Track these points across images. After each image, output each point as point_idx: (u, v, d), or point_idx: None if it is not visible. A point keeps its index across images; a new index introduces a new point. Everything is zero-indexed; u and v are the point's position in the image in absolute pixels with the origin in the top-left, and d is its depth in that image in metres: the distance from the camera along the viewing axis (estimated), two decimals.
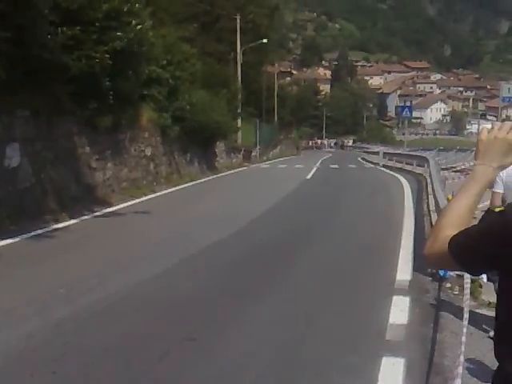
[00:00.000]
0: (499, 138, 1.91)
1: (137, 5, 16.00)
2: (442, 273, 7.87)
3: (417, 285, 8.03)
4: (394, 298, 7.28)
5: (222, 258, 9.67)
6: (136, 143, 20.38)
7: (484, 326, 6.17)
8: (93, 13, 14.41)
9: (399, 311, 6.73)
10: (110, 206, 15.54)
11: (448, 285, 7.77)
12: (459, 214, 1.88)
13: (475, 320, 6.24)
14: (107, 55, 14.50)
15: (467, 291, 5.78)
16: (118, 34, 14.86)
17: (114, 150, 18.20)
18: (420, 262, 9.12)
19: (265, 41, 49.55)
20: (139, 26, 15.86)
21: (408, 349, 5.66)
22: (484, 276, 6.66)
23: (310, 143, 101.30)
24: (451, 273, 7.77)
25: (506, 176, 5.53)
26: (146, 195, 18.38)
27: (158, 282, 8.14)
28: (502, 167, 1.95)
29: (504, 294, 1.77)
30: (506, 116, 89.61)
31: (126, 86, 16.28)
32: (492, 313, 6.26)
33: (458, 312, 6.39)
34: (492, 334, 5.77)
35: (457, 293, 7.44)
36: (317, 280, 8.42)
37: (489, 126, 1.98)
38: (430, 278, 8.27)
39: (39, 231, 11.54)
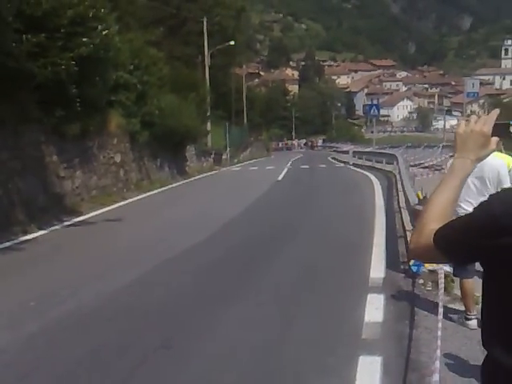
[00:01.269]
0: (476, 130, 1.95)
1: (102, 10, 15.89)
2: (414, 269, 7.90)
3: (390, 282, 8.05)
4: (369, 296, 7.29)
5: (196, 263, 9.61)
6: (105, 150, 20.21)
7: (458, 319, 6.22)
8: (58, 19, 14.28)
9: (374, 309, 6.74)
10: (80, 214, 15.35)
11: (421, 281, 7.80)
12: (441, 207, 1.91)
13: (449, 314, 6.28)
14: (73, 62, 14.39)
15: (441, 286, 5.80)
16: (84, 39, 14.74)
17: (83, 158, 18.02)
18: (392, 259, 9.18)
19: (232, 43, 49.46)
20: (105, 32, 15.76)
21: (384, 347, 5.66)
22: (448, 268, 6.68)
23: (280, 144, 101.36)
24: (424, 269, 7.81)
25: None
26: (116, 202, 18.24)
27: (131, 290, 8.05)
28: (479, 159, 1.98)
29: (489, 282, 1.79)
30: (471, 111, 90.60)
31: (93, 93, 16.14)
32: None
33: (431, 308, 6.45)
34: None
35: (430, 288, 7.49)
36: (291, 281, 8.40)
37: (469, 119, 2.01)
38: (403, 275, 8.30)
39: (7, 243, 11.39)
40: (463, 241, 1.75)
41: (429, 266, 7.68)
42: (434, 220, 1.88)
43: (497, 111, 1.95)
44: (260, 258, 10.00)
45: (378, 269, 8.72)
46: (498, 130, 1.95)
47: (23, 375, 5.20)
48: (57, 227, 13.56)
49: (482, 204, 1.73)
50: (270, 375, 5.16)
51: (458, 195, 1.96)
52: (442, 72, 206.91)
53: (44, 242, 11.93)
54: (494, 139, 1.96)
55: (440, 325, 4.99)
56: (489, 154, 1.99)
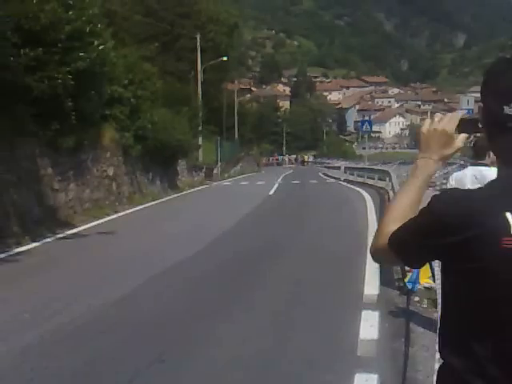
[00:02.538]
0: (438, 129, 1.92)
1: (99, 25, 16.00)
2: (409, 286, 7.89)
3: (385, 299, 8.03)
4: (363, 312, 7.24)
5: (188, 277, 9.61)
6: (98, 163, 20.23)
7: None
8: (55, 34, 14.39)
9: (369, 326, 6.69)
10: (73, 227, 15.36)
11: (416, 298, 7.78)
12: (402, 208, 1.88)
13: None
14: (70, 76, 14.45)
15: (440, 301, 5.78)
16: (81, 54, 14.85)
17: (77, 171, 18.05)
18: (386, 276, 9.16)
19: (225, 58, 49.62)
20: (101, 46, 15.88)
21: (380, 364, 5.64)
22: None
23: (271, 160, 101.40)
24: (419, 286, 7.80)
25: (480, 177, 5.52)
26: (108, 215, 18.23)
27: (124, 303, 8.05)
28: (443, 159, 1.95)
29: (443, 283, 1.81)
30: None
31: (88, 107, 16.22)
32: None
33: (428, 325, 6.42)
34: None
35: (426, 306, 7.45)
36: (284, 296, 8.39)
37: (434, 117, 1.97)
38: (398, 292, 8.29)
39: (1, 255, 11.38)
40: (411, 242, 1.76)
41: (424, 283, 7.69)
42: (394, 221, 1.86)
43: (463, 112, 1.95)
44: (252, 272, 10.01)
45: (372, 285, 8.67)
46: (467, 126, 1.91)
47: None
48: (50, 239, 13.55)
49: (427, 205, 1.74)
50: None
51: (421, 196, 1.92)
52: (434, 89, 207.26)
53: (37, 254, 11.92)
54: (462, 136, 1.93)
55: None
56: (454, 153, 1.96)
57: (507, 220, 1.62)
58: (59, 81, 14.24)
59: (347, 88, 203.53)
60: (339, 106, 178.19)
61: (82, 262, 11.21)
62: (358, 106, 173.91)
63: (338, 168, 47.24)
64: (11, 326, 6.94)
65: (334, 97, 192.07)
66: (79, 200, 18.05)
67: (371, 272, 9.47)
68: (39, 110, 14.54)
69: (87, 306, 7.79)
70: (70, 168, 17.55)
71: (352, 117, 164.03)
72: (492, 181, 1.78)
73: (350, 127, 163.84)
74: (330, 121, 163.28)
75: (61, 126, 15.47)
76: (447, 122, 1.92)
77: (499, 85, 1.75)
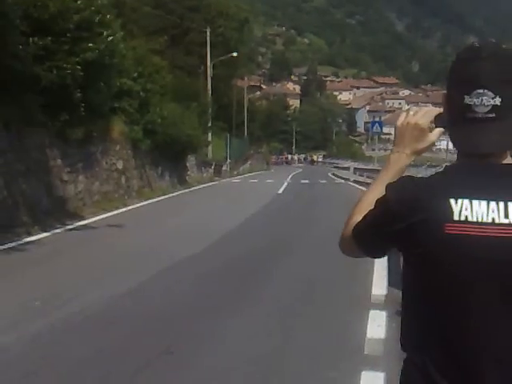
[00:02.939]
0: (411, 123, 1.89)
1: (108, 16, 15.96)
2: None
3: (392, 299, 7.98)
4: (371, 312, 7.22)
5: (197, 272, 9.58)
6: (107, 156, 20.25)
7: None
8: (64, 23, 14.36)
9: (376, 326, 6.66)
10: (82, 219, 15.40)
11: None
12: (370, 200, 1.86)
13: None
14: (78, 66, 14.43)
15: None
16: (90, 44, 14.81)
17: (86, 163, 18.07)
18: (395, 277, 9.10)
19: (235, 54, 49.57)
20: (110, 38, 15.83)
21: (387, 363, 5.59)
22: None
23: (279, 158, 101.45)
24: None
25: None
26: (117, 209, 18.26)
27: (133, 295, 8.04)
28: (416, 153, 1.93)
29: (404, 276, 1.82)
30: None
31: (97, 98, 16.19)
32: None
33: None
34: None
35: None
36: (292, 294, 8.36)
37: (409, 111, 1.95)
38: None
39: (11, 244, 11.40)
40: (368, 231, 1.79)
41: None
42: (359, 213, 1.87)
43: (438, 109, 1.90)
44: (260, 269, 9.98)
45: (379, 286, 8.65)
46: (443, 121, 1.86)
47: (27, 373, 5.19)
48: (59, 230, 13.57)
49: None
50: None
51: None
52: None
53: (47, 244, 11.94)
54: (437, 130, 1.90)
55: None
56: (427, 148, 1.93)
57: (451, 206, 1.66)
58: (68, 71, 14.25)
59: (357, 88, 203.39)
60: (349, 106, 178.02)
61: (91, 254, 11.21)
62: (368, 107, 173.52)
63: (348, 168, 47.18)
64: (22, 313, 6.94)
65: (344, 97, 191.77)
66: (88, 192, 18.07)
67: (379, 272, 9.46)
68: (48, 100, 14.53)
69: (96, 297, 7.79)
70: (79, 160, 17.57)
71: (362, 117, 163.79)
72: (444, 168, 1.81)
73: (360, 128, 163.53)
74: (340, 121, 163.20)
75: (70, 116, 15.49)
76: (421, 116, 1.89)
77: (463, 73, 1.73)
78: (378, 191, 1.85)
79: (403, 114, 1.94)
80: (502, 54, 1.72)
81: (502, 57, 1.71)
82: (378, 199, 1.78)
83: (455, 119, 1.76)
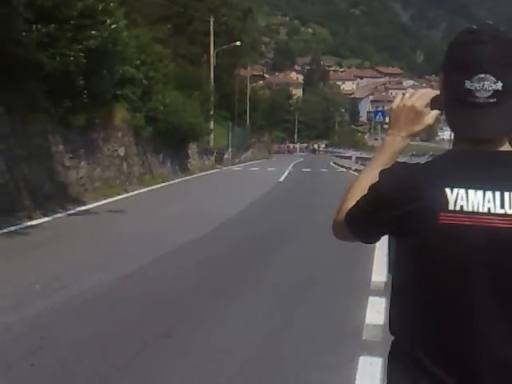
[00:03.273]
0: (407, 105, 1.88)
1: (111, 4, 15.99)
2: None
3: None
4: (370, 298, 7.24)
5: (197, 257, 9.64)
6: (109, 143, 20.31)
7: None
8: (67, 10, 14.39)
9: (375, 312, 6.68)
10: (84, 204, 15.48)
11: None
12: (364, 185, 1.84)
13: None
14: (82, 54, 14.48)
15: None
16: (93, 32, 14.85)
17: (88, 149, 18.12)
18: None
19: (238, 43, 49.51)
20: (114, 25, 15.88)
21: (385, 349, 5.58)
22: None
23: (281, 147, 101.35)
24: None
25: None
26: (119, 195, 18.31)
27: (133, 279, 8.11)
28: (411, 136, 1.91)
29: (395, 259, 1.83)
30: None
31: (100, 85, 16.27)
32: None
33: None
34: None
35: None
36: (292, 279, 8.40)
37: (405, 94, 1.94)
38: None
39: (12, 228, 11.46)
40: (361, 217, 1.79)
41: None
42: (353, 197, 1.85)
43: (435, 92, 1.88)
44: (260, 255, 10.03)
45: (379, 273, 8.66)
46: (439, 103, 1.84)
47: (28, 353, 5.27)
48: (60, 215, 13.64)
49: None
50: (270, 371, 5.16)
51: None
52: None
53: (48, 228, 12.01)
54: (434, 113, 1.88)
55: None
56: (423, 130, 1.91)
57: (446, 195, 1.65)
58: (71, 58, 14.30)
59: (361, 78, 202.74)
60: (352, 95, 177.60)
61: (91, 238, 11.27)
62: (371, 97, 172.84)
63: (350, 158, 47.05)
64: (23, 295, 7.02)
65: (347, 86, 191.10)
66: (90, 178, 18.14)
67: (379, 259, 9.48)
68: (51, 86, 14.61)
69: (96, 280, 7.84)
70: (82, 146, 17.62)
71: (365, 107, 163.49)
72: (440, 155, 1.79)
73: (363, 118, 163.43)
74: (343, 110, 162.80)
75: (72, 103, 15.56)
76: (417, 98, 1.88)
77: (462, 58, 1.70)
78: (371, 176, 1.83)
79: (399, 97, 1.94)
80: (502, 37, 1.69)
81: (503, 40, 1.69)
82: (371, 185, 1.76)
83: (454, 103, 1.73)
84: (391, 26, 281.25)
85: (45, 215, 13.18)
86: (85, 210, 14.69)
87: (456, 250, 1.65)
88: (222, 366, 5.23)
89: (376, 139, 67.32)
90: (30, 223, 12.20)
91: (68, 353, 5.37)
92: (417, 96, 1.89)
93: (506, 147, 1.73)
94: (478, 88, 1.66)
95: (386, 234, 1.81)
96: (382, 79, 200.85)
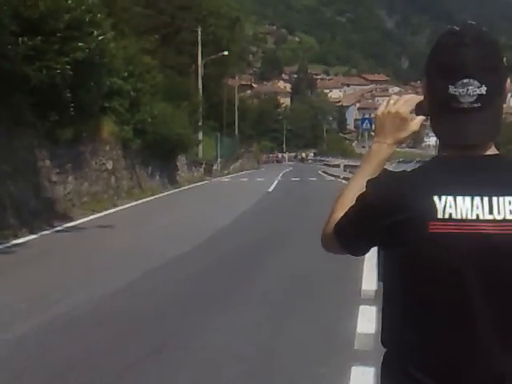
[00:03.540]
0: (392, 112, 1.84)
1: (99, 15, 15.92)
2: None
3: (382, 294, 7.96)
4: (361, 307, 7.22)
5: (186, 271, 9.58)
6: (97, 156, 20.19)
7: None
8: (54, 23, 14.31)
9: (366, 321, 6.65)
10: (71, 220, 15.37)
11: None
12: (352, 194, 1.80)
13: None
14: (68, 66, 14.37)
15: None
16: (80, 44, 14.75)
17: (75, 164, 17.99)
18: None
19: (226, 53, 49.57)
20: (101, 37, 15.78)
21: (377, 358, 5.55)
22: None
23: (270, 157, 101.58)
24: None
25: None
26: (107, 209, 18.21)
27: (121, 295, 8.02)
28: (398, 143, 1.87)
29: (385, 275, 1.81)
30: None
31: (87, 98, 16.15)
32: None
33: None
34: None
35: None
36: (283, 290, 8.37)
37: (390, 100, 1.90)
38: None
39: None
40: (349, 228, 1.75)
41: None
42: (342, 208, 1.81)
43: (420, 97, 1.83)
44: (250, 266, 9.98)
45: (369, 281, 8.64)
46: (424, 109, 1.79)
47: (14, 376, 5.17)
48: (47, 232, 13.53)
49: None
50: (263, 382, 5.13)
51: None
52: None
53: (35, 246, 11.90)
54: (419, 119, 1.83)
55: None
56: (409, 137, 1.86)
57: (434, 204, 1.61)
58: (58, 71, 14.17)
59: (348, 86, 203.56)
60: (340, 103, 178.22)
61: (79, 255, 11.17)
62: (358, 105, 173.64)
63: (338, 166, 47.17)
64: (7, 315, 6.91)
65: (334, 94, 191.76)
66: (77, 193, 18.01)
67: (369, 268, 9.44)
68: (37, 99, 14.51)
69: (84, 297, 7.76)
70: (69, 160, 17.50)
71: (352, 115, 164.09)
72: (426, 162, 1.76)
73: (350, 125, 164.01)
74: (331, 119, 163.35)
75: (59, 116, 15.44)
76: (402, 104, 1.84)
77: (445, 61, 1.66)
78: (359, 185, 1.79)
79: (384, 103, 1.90)
80: (485, 38, 1.66)
81: (486, 42, 1.66)
82: (359, 195, 1.73)
83: (438, 109, 1.69)
84: (377, 33, 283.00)
85: (31, 233, 13.07)
86: (72, 226, 14.56)
87: (446, 259, 1.62)
88: (214, 379, 5.18)
89: (364, 147, 67.60)
90: (15, 241, 12.07)
91: (55, 374, 5.27)
92: (401, 102, 1.85)
93: (491, 151, 1.69)
94: (462, 93, 1.62)
95: (375, 245, 1.78)
96: (369, 86, 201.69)
